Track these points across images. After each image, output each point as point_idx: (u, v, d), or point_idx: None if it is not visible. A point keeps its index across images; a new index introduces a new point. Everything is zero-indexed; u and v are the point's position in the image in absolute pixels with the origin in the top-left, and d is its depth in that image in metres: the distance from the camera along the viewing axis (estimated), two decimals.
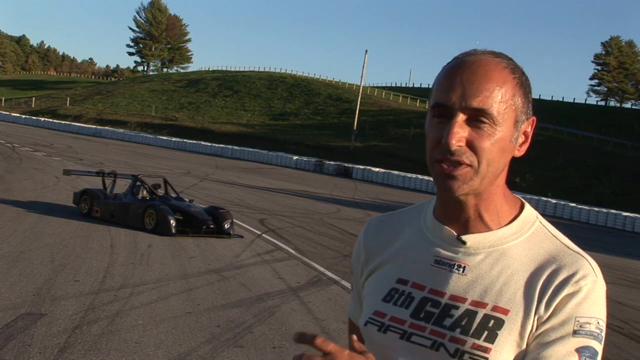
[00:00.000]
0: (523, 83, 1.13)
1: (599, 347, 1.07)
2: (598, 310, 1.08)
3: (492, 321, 1.09)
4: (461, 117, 1.08)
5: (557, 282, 1.09)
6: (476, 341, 1.08)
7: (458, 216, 1.17)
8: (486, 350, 1.08)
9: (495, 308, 1.10)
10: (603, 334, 1.08)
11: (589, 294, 1.08)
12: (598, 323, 1.08)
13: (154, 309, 6.83)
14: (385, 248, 1.28)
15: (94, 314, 6.44)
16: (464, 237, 1.15)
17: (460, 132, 1.08)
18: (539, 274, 1.11)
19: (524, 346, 1.09)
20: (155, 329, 6.13)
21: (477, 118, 1.08)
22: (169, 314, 6.69)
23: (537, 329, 1.08)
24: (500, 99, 1.09)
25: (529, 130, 1.16)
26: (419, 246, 1.21)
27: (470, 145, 1.08)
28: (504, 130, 1.10)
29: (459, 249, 1.16)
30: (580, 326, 1.06)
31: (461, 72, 1.10)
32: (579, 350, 1.05)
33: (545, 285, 1.10)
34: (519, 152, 1.16)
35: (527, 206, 1.20)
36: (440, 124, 1.10)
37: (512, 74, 1.12)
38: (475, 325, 1.09)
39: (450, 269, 1.15)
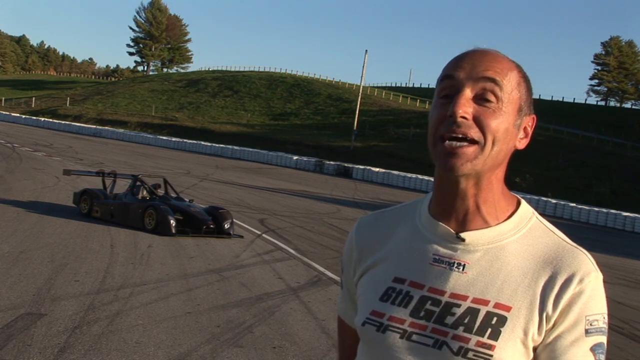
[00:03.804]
0: (526, 78, 1.16)
1: (606, 339, 1.12)
2: (602, 305, 1.12)
3: (495, 318, 1.09)
4: (468, 93, 1.09)
5: (561, 280, 1.10)
6: (480, 338, 1.08)
7: (456, 209, 1.16)
8: (490, 347, 1.08)
9: (497, 305, 1.10)
10: (607, 326, 1.12)
11: (594, 290, 1.10)
12: (604, 318, 1.11)
13: (154, 309, 6.83)
14: (378, 246, 1.26)
15: (94, 314, 6.44)
16: (462, 234, 1.15)
17: (467, 105, 1.08)
18: (540, 269, 1.11)
19: (529, 342, 1.09)
20: (155, 329, 6.13)
21: (484, 97, 1.09)
22: (169, 314, 6.69)
23: (549, 330, 1.10)
24: (507, 79, 1.11)
25: (529, 127, 1.17)
26: (415, 244, 1.20)
27: (477, 120, 1.09)
28: (509, 112, 1.11)
29: (457, 246, 1.15)
30: (591, 324, 1.09)
31: (470, 54, 1.13)
32: (593, 349, 1.09)
33: (548, 282, 1.10)
34: (520, 145, 1.17)
35: (524, 203, 1.21)
36: (445, 105, 1.11)
37: (517, 67, 1.15)
38: (478, 322, 1.09)
39: (450, 266, 1.14)
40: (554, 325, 1.09)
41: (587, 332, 1.09)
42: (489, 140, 1.09)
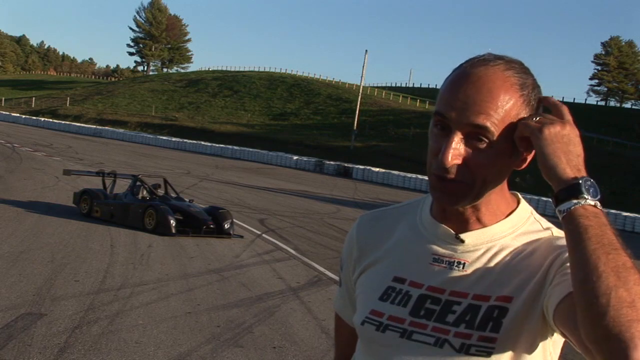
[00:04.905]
0: (531, 99, 1.10)
1: None
2: None
3: (496, 311, 1.09)
4: (459, 135, 1.07)
5: (556, 256, 1.09)
6: (482, 333, 1.08)
7: (456, 217, 1.17)
8: (492, 340, 1.08)
9: (498, 298, 1.10)
10: None
11: None
12: None
13: (154, 309, 6.84)
14: (378, 245, 1.27)
15: (94, 314, 6.45)
16: (462, 236, 1.15)
17: (456, 151, 1.06)
18: (538, 263, 1.11)
19: (533, 330, 1.08)
20: (155, 329, 6.14)
21: (477, 136, 1.06)
22: (169, 314, 6.70)
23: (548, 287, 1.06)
24: (502, 117, 1.06)
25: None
26: (415, 244, 1.21)
27: (467, 163, 1.07)
28: (503, 149, 1.08)
29: (457, 246, 1.16)
30: None
31: (465, 86, 1.07)
32: None
33: (547, 269, 1.09)
34: (522, 165, 1.13)
35: (523, 202, 1.22)
36: (439, 136, 1.09)
37: (521, 90, 1.08)
38: (479, 318, 1.09)
39: (450, 266, 1.15)
40: (551, 283, 1.06)
41: None
42: (478, 181, 1.08)
